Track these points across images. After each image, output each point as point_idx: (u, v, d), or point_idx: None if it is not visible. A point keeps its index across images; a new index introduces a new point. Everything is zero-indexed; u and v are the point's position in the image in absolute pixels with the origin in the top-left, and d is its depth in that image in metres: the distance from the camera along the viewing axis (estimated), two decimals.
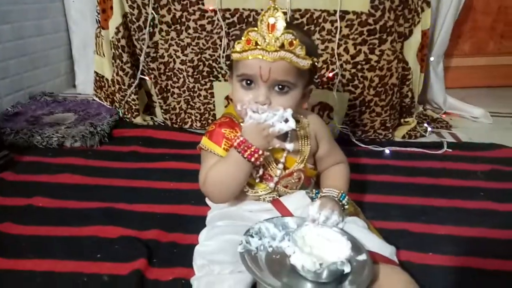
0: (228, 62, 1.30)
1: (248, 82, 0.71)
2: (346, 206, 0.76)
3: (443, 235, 0.85)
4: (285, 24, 0.66)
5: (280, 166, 0.75)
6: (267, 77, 0.68)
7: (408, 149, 1.26)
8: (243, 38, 0.68)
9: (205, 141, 0.76)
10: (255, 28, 0.67)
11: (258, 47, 0.67)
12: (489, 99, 1.76)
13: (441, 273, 0.74)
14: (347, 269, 0.58)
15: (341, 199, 0.75)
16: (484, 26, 1.87)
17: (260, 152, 0.68)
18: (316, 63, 0.73)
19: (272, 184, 0.76)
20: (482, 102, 1.65)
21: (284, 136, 0.74)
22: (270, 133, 0.68)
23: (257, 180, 0.75)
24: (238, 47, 0.69)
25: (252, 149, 0.68)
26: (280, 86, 0.70)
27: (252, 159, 0.68)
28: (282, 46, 0.66)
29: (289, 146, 0.71)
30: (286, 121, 0.68)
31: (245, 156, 0.68)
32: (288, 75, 0.69)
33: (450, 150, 1.25)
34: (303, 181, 0.79)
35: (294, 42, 0.67)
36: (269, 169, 0.75)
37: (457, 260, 0.77)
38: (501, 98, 1.80)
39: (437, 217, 0.91)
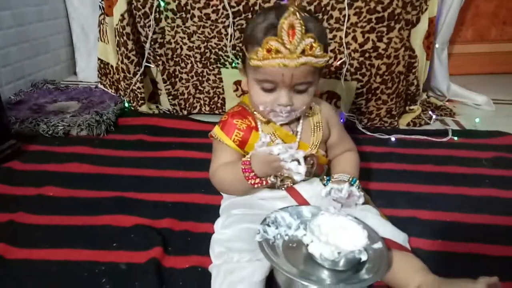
0: (234, 52, 1.29)
1: (269, 86, 0.72)
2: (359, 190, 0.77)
3: (450, 222, 0.87)
4: (304, 28, 0.65)
5: None
6: (289, 82, 0.70)
7: (413, 137, 1.27)
8: (262, 46, 0.67)
9: (216, 130, 0.78)
10: (274, 37, 0.66)
11: (280, 55, 0.67)
12: (491, 86, 1.77)
13: (449, 259, 0.76)
14: (364, 257, 0.60)
15: (352, 183, 0.77)
16: (487, 12, 1.87)
17: (259, 180, 0.70)
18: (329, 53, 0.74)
19: None
20: (484, 89, 1.65)
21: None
22: (278, 166, 0.68)
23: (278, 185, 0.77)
24: (258, 55, 0.68)
25: (252, 175, 0.70)
26: (300, 87, 0.72)
27: (251, 182, 0.70)
28: (302, 52, 0.67)
29: (298, 177, 0.68)
30: (298, 161, 0.67)
31: (245, 177, 0.71)
32: (308, 76, 0.71)
33: (455, 138, 1.26)
34: (316, 168, 0.80)
35: (314, 45, 0.67)
36: None
37: (464, 247, 0.79)
38: (504, 85, 1.81)
39: (443, 204, 0.93)
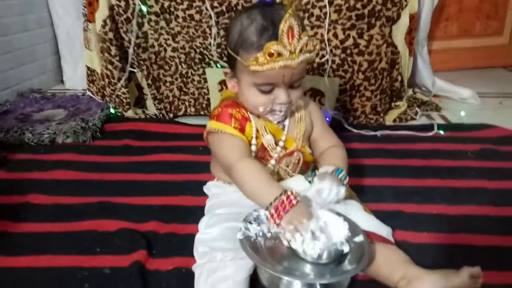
0: (219, 50, 1.29)
1: (268, 88, 0.72)
2: (345, 181, 0.73)
3: (436, 214, 0.87)
4: (301, 28, 0.67)
5: (280, 144, 0.78)
6: (289, 81, 0.71)
7: (399, 132, 1.27)
8: (264, 52, 0.66)
9: (213, 124, 0.76)
10: (275, 42, 0.66)
11: (282, 58, 0.67)
12: (476, 80, 1.79)
13: (436, 251, 0.76)
14: (346, 249, 0.60)
15: (337, 174, 0.73)
16: (471, 7, 1.89)
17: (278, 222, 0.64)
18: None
19: (273, 161, 0.78)
20: (470, 83, 1.67)
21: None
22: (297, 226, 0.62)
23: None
24: (258, 61, 0.67)
25: (275, 216, 0.63)
26: (296, 83, 0.73)
27: (271, 217, 0.64)
28: (300, 50, 0.68)
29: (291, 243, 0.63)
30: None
31: (270, 212, 0.64)
32: (304, 70, 0.73)
33: (441, 131, 1.27)
34: (302, 164, 0.81)
35: (309, 41, 0.68)
36: (269, 150, 0.78)
37: (450, 238, 0.79)
38: (488, 79, 1.83)
39: (430, 197, 0.93)
